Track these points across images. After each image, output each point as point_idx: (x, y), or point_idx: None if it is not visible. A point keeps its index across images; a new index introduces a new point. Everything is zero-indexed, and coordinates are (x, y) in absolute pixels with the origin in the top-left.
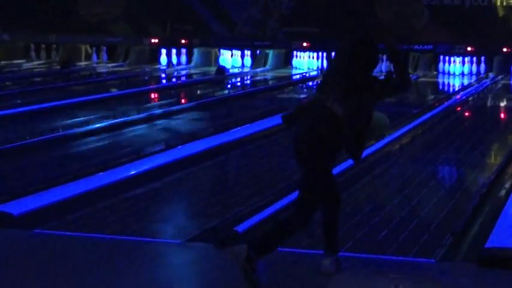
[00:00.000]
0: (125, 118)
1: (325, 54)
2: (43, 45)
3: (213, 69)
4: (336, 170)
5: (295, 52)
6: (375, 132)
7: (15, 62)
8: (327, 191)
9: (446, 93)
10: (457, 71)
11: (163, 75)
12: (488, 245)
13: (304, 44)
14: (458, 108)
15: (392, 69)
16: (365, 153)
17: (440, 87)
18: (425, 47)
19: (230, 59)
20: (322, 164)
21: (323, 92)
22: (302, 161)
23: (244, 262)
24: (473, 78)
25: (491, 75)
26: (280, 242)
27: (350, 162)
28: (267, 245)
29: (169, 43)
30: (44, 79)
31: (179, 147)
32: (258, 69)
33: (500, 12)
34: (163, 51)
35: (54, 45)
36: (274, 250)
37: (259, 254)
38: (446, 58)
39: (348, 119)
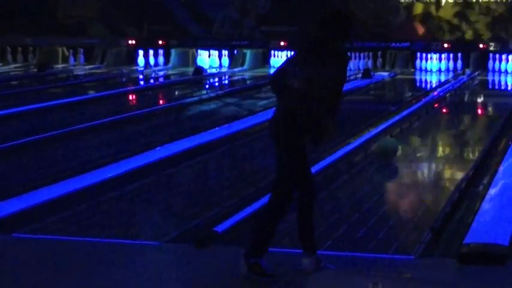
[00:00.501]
0: (103, 120)
1: None
2: (20, 48)
3: (190, 69)
4: (314, 169)
5: (273, 51)
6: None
7: None
8: (297, 173)
9: (423, 90)
10: (434, 67)
11: (140, 77)
12: (466, 240)
13: (282, 43)
14: (436, 105)
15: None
16: (343, 151)
17: (418, 84)
18: (402, 44)
19: (208, 59)
20: (291, 142)
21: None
22: (273, 137)
23: (249, 273)
24: (450, 74)
25: (467, 71)
26: (270, 233)
27: (328, 160)
28: (260, 242)
29: (147, 44)
30: (20, 82)
31: (158, 148)
32: (236, 69)
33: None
34: (141, 52)
35: (31, 48)
36: (269, 242)
37: (259, 253)
38: (423, 55)
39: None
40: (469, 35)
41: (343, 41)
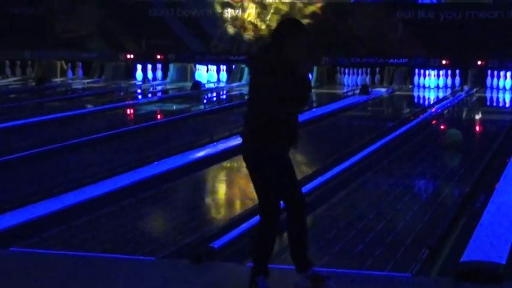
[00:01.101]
0: (100, 134)
1: None
2: (18, 62)
3: (188, 84)
4: (311, 185)
5: None
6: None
7: None
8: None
9: (421, 107)
10: (432, 84)
11: (139, 91)
12: (464, 259)
13: None
14: (434, 122)
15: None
16: (340, 167)
17: (416, 100)
18: (400, 60)
19: (206, 74)
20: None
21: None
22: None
23: None
24: (448, 91)
25: (466, 88)
26: (266, 252)
27: (325, 177)
28: (258, 261)
29: (145, 59)
30: (19, 96)
31: (155, 163)
32: (234, 84)
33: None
34: (139, 66)
35: (30, 62)
36: (267, 261)
37: (260, 271)
38: (422, 71)
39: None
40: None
41: (292, 52)
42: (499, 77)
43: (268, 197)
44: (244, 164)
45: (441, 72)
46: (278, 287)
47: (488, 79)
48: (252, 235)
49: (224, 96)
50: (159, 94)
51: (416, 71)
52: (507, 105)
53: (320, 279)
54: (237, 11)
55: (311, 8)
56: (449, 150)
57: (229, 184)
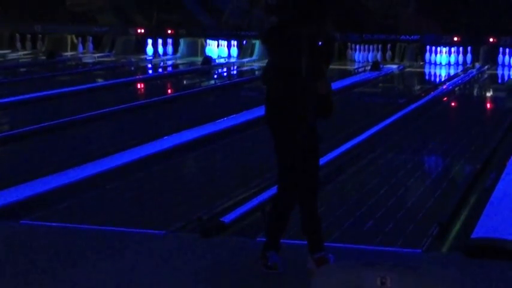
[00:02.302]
0: (111, 108)
1: None
2: (29, 35)
3: (199, 59)
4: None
5: None
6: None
7: (0, 52)
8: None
9: (432, 84)
10: (444, 61)
11: (149, 66)
12: (474, 235)
13: None
14: (445, 99)
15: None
16: (351, 144)
17: (427, 77)
18: (412, 37)
19: (216, 49)
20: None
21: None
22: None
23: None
24: (460, 68)
25: (477, 65)
26: (281, 228)
27: (336, 152)
28: (271, 236)
29: (155, 33)
30: (29, 69)
31: (165, 137)
32: (245, 60)
33: None
34: (150, 41)
35: (40, 36)
36: (280, 236)
37: (272, 246)
38: (433, 48)
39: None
40: None
41: (307, 26)
42: (510, 54)
43: (291, 168)
44: (255, 138)
45: (453, 49)
46: (290, 262)
47: (500, 56)
48: (265, 210)
49: (235, 72)
50: (169, 69)
51: (428, 47)
52: None
53: (326, 263)
54: None
55: None
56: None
57: (241, 158)
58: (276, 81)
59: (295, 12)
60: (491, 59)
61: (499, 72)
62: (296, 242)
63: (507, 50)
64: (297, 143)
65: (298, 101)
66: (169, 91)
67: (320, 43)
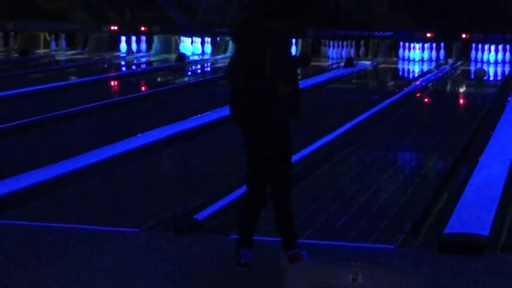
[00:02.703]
0: (84, 106)
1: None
2: (1, 33)
3: (173, 56)
4: (295, 157)
5: None
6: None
7: None
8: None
9: (406, 80)
10: (417, 57)
11: (123, 63)
12: (447, 230)
13: None
14: (418, 95)
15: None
16: (324, 140)
17: (400, 73)
18: (385, 33)
19: (190, 46)
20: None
21: None
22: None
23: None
24: (433, 64)
25: (450, 61)
26: (252, 225)
27: (310, 149)
28: (243, 233)
29: (129, 30)
30: (2, 67)
31: (139, 135)
32: (219, 56)
33: None
34: (123, 38)
35: (12, 33)
36: (252, 233)
37: (245, 244)
38: (406, 44)
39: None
40: None
41: (276, 22)
42: (483, 51)
43: (260, 166)
44: (227, 136)
45: (426, 45)
46: (263, 259)
47: (473, 52)
48: (238, 207)
49: (209, 69)
50: (143, 66)
51: (401, 44)
52: (491, 78)
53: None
54: None
55: None
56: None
57: (214, 156)
58: (240, 78)
59: (264, 8)
60: (464, 55)
61: (472, 68)
62: (270, 238)
63: (480, 46)
64: (264, 141)
65: (262, 99)
66: (143, 88)
67: (295, 54)
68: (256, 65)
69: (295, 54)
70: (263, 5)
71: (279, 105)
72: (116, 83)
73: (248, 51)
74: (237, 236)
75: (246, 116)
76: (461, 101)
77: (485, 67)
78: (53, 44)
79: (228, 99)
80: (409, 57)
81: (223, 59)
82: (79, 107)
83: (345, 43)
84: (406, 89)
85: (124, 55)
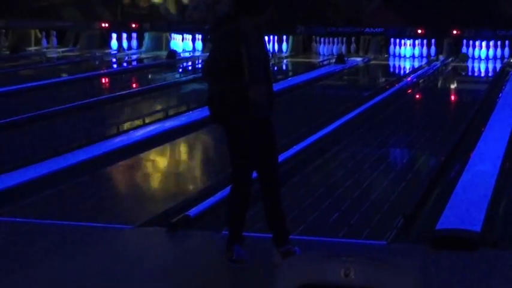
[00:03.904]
0: (75, 103)
1: (276, 37)
2: None
3: (164, 53)
4: (287, 153)
5: None
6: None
7: None
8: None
9: (397, 76)
10: (408, 53)
11: (114, 60)
12: (439, 226)
13: None
14: (409, 91)
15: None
16: (316, 136)
17: (391, 69)
18: (376, 30)
19: (181, 43)
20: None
21: None
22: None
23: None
24: (424, 60)
25: (441, 57)
26: (241, 220)
27: (301, 145)
28: (232, 230)
29: (120, 27)
30: None
31: (130, 131)
32: None
33: None
34: (114, 35)
35: (3, 31)
36: (241, 229)
37: (235, 240)
38: (397, 41)
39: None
40: None
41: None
42: (474, 47)
43: (243, 164)
44: (218, 132)
45: (417, 42)
46: (255, 255)
47: (464, 48)
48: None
49: (199, 65)
50: (134, 63)
51: (392, 40)
52: (482, 74)
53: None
54: None
55: None
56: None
57: (205, 152)
58: (216, 77)
59: (237, 5)
60: (455, 51)
61: (463, 64)
62: (261, 235)
63: (470, 42)
64: (245, 138)
65: (238, 99)
66: (134, 85)
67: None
68: (231, 64)
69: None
70: (236, 2)
71: (255, 104)
72: (106, 80)
73: (222, 50)
74: (227, 233)
75: (224, 116)
76: (452, 97)
77: (476, 64)
78: (44, 41)
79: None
80: (400, 54)
81: None
82: (70, 104)
83: (335, 39)
84: (397, 86)
85: (115, 52)
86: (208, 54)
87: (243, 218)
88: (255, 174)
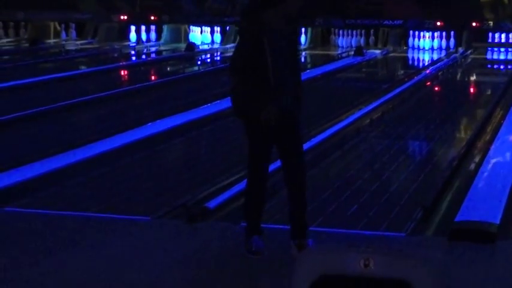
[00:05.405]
0: (94, 95)
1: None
2: (11, 23)
3: (182, 45)
4: (306, 146)
5: None
6: None
7: None
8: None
9: (416, 68)
10: (427, 45)
11: (132, 52)
12: (458, 218)
13: None
14: (428, 83)
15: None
16: (335, 128)
17: (410, 62)
18: (395, 22)
19: (200, 35)
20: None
21: None
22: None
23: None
24: (443, 52)
25: (460, 49)
26: (258, 211)
27: (320, 137)
28: (250, 221)
29: (139, 20)
30: (12, 57)
31: (149, 124)
32: (228, 46)
33: None
34: (133, 28)
35: (23, 23)
36: (258, 220)
37: (253, 231)
38: (416, 33)
39: None
40: None
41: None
42: (494, 39)
43: (259, 158)
44: (237, 125)
45: (436, 34)
46: (273, 247)
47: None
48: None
49: (218, 58)
50: (152, 55)
51: (411, 32)
52: (502, 66)
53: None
54: None
55: None
56: None
57: (223, 145)
58: (239, 71)
59: None
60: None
61: (482, 56)
62: (280, 226)
63: (490, 34)
64: (258, 133)
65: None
66: (152, 78)
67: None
68: (253, 59)
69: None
70: None
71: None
72: (125, 72)
73: (244, 45)
74: (245, 224)
75: (245, 111)
76: (471, 90)
77: (495, 55)
78: (63, 33)
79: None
80: (419, 46)
81: (232, 48)
82: (89, 97)
83: (354, 32)
84: (416, 78)
85: (134, 45)
86: (235, 49)
87: (260, 209)
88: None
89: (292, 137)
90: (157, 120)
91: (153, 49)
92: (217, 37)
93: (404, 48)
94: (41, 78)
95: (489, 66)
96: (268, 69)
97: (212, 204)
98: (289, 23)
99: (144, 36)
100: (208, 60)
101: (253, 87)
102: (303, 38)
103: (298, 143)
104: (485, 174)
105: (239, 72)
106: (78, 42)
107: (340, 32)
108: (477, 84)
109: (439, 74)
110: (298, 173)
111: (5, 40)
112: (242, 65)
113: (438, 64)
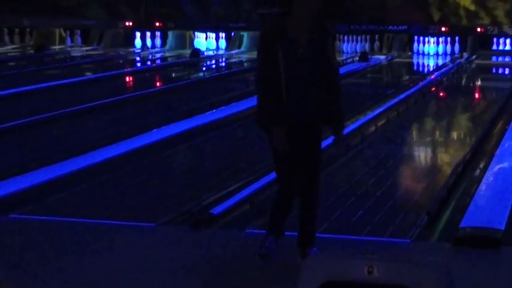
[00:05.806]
0: (99, 102)
1: None
2: (17, 29)
3: (187, 51)
4: None
5: None
6: None
7: None
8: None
9: (421, 74)
10: (432, 51)
11: (138, 59)
12: (462, 224)
13: None
14: (433, 89)
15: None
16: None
17: (415, 67)
18: (400, 27)
19: (205, 41)
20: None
21: None
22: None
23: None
24: (448, 58)
25: (465, 55)
26: (282, 215)
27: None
28: (272, 222)
29: (144, 26)
30: (18, 63)
31: (154, 130)
32: (233, 51)
33: None
34: (138, 34)
35: (28, 29)
36: (281, 224)
37: (272, 231)
38: (421, 38)
39: None
40: (487, 21)
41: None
42: (498, 44)
43: (281, 168)
44: (242, 131)
45: (440, 39)
46: (279, 253)
47: (494, 46)
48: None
49: (223, 64)
50: (158, 62)
51: (416, 38)
52: (506, 71)
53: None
54: None
55: None
56: None
57: (229, 151)
58: (258, 82)
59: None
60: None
61: (487, 61)
62: (288, 233)
63: (494, 39)
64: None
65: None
66: (157, 84)
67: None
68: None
69: None
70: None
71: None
72: (130, 78)
73: (261, 56)
74: (253, 230)
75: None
76: (476, 95)
77: (500, 59)
78: (68, 40)
79: (245, 93)
80: (423, 51)
81: (237, 54)
82: (94, 103)
83: (359, 37)
84: (420, 83)
85: (139, 51)
86: (261, 57)
87: (284, 216)
88: None
89: (309, 148)
90: (163, 127)
91: (158, 55)
92: (222, 43)
93: (409, 53)
94: (46, 84)
95: (494, 71)
96: (281, 81)
97: (217, 210)
98: (310, 31)
99: (149, 43)
100: (214, 66)
101: (268, 100)
102: None
103: (315, 156)
104: (490, 179)
105: (261, 82)
106: (84, 48)
107: (345, 37)
108: (482, 89)
109: (444, 79)
110: (311, 183)
111: (10, 47)
112: (262, 75)
113: (443, 69)
